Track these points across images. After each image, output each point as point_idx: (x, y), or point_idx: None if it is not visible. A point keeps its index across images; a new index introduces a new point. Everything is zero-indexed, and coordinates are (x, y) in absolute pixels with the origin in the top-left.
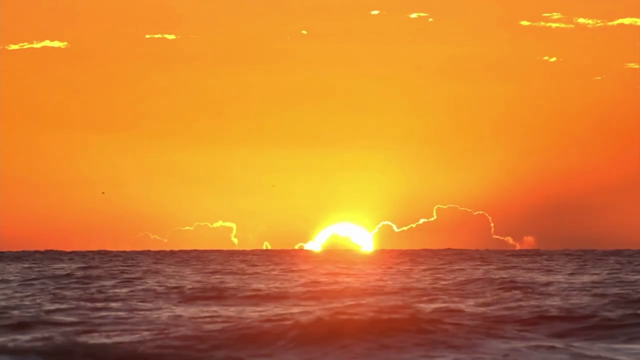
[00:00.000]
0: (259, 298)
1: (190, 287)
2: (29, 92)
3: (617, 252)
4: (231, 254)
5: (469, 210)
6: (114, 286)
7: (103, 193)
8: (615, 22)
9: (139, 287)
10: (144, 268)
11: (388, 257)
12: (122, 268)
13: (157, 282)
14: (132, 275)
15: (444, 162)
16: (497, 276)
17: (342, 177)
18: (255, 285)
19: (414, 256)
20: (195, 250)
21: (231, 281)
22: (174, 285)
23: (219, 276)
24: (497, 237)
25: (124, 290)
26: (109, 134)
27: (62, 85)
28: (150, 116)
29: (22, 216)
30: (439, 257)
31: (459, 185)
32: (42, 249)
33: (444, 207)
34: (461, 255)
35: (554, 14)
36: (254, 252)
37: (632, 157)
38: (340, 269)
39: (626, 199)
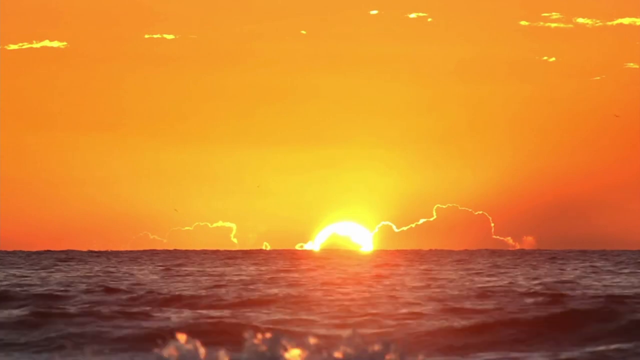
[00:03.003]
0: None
1: None
2: (29, 92)
3: (607, 253)
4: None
5: (470, 210)
6: None
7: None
8: (615, 22)
9: None
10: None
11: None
12: None
13: None
14: None
15: (444, 161)
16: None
17: (343, 177)
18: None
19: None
20: (185, 250)
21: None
22: None
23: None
24: (497, 237)
25: None
26: (110, 134)
27: (62, 86)
28: (153, 116)
29: (21, 216)
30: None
31: (459, 185)
32: (40, 249)
33: (444, 206)
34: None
35: (553, 14)
36: (230, 253)
37: (632, 158)
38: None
39: (626, 199)
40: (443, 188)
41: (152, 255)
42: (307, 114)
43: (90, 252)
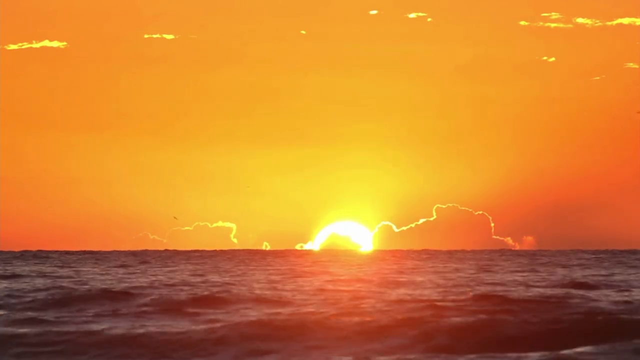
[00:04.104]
0: None
1: None
2: (28, 93)
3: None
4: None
5: (470, 210)
6: None
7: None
8: (614, 22)
9: None
10: None
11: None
12: None
13: None
14: None
15: (444, 161)
16: None
17: (342, 177)
18: None
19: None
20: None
21: None
22: None
23: None
24: (497, 237)
25: None
26: (110, 134)
27: (61, 86)
28: (153, 116)
29: (19, 216)
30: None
31: (459, 185)
32: (38, 249)
33: (444, 206)
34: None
35: (553, 14)
36: (223, 252)
37: (631, 158)
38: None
39: (626, 199)
40: (443, 188)
41: (125, 255)
42: (307, 114)
43: (68, 252)
